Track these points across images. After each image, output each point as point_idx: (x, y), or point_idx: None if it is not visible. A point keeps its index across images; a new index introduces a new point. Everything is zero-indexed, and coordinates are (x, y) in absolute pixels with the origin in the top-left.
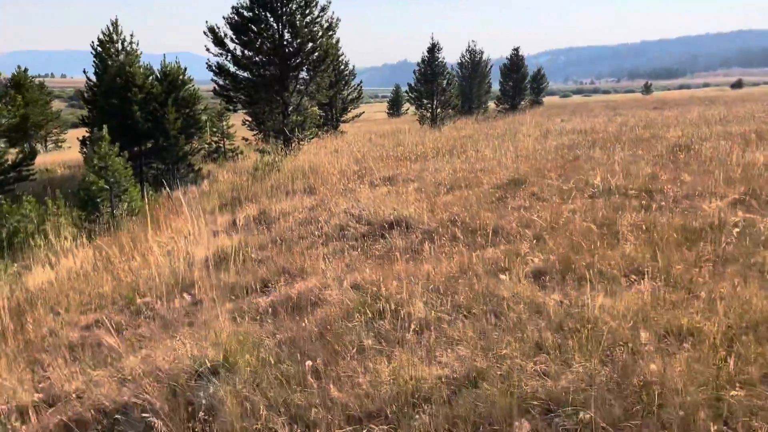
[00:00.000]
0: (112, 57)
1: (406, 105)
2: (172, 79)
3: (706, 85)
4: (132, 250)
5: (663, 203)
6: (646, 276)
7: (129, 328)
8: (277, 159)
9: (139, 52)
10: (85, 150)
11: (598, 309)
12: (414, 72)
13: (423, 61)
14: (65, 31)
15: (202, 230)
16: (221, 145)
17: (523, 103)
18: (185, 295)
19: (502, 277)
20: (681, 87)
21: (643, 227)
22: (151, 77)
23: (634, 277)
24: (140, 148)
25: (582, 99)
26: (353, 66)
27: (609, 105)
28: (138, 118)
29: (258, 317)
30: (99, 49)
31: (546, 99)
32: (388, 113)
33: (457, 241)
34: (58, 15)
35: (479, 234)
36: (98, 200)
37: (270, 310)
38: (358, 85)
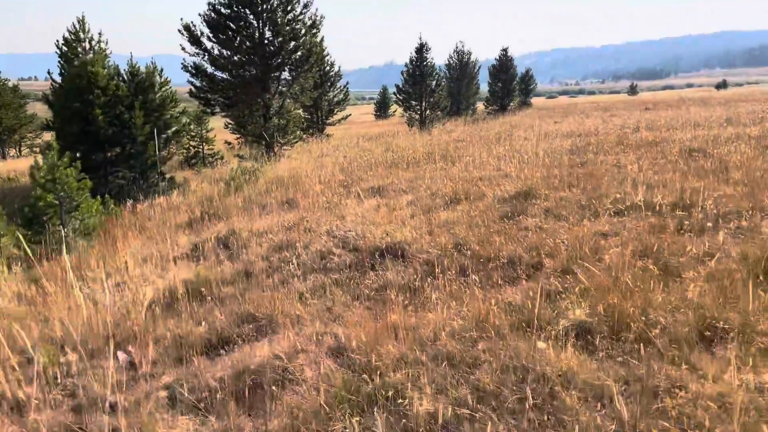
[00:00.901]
0: (78, 57)
1: (394, 107)
2: (140, 81)
3: (689, 85)
4: (73, 282)
5: (708, 223)
6: (727, 338)
7: (33, 412)
8: (255, 167)
9: (108, 51)
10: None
11: (683, 401)
12: (402, 73)
13: (411, 61)
14: (54, 34)
15: (157, 256)
16: (200, 149)
17: (512, 104)
18: (120, 353)
19: (541, 344)
20: (665, 87)
21: (698, 256)
22: (117, 78)
23: (711, 338)
24: (105, 155)
25: (569, 100)
26: (339, 67)
27: (599, 106)
28: (101, 122)
29: (201, 404)
30: (64, 48)
31: (533, 100)
32: (375, 115)
33: (466, 276)
34: (46, 17)
35: (492, 265)
36: (45, 218)
37: (219, 393)
38: (345, 86)
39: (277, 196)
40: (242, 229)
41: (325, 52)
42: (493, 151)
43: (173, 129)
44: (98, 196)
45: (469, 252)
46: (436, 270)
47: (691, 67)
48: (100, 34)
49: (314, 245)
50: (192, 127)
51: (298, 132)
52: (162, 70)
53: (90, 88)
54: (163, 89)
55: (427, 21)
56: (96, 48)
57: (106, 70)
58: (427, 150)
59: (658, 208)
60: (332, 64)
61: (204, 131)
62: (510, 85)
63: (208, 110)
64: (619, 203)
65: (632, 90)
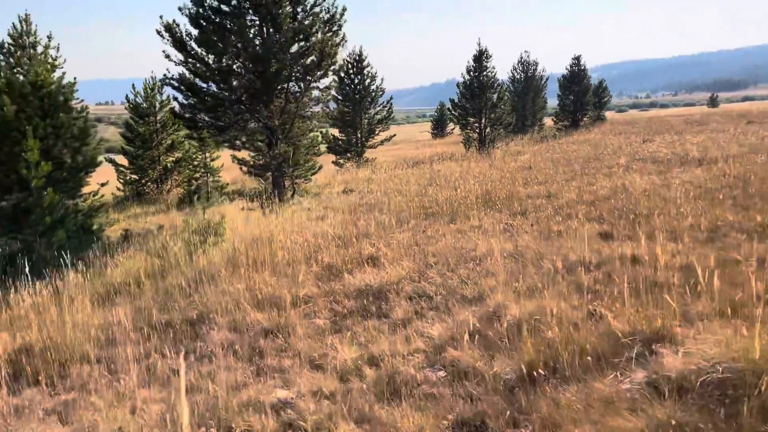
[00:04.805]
0: (22, 67)
1: (453, 124)
2: (45, 95)
3: None
4: None
5: None
6: None
7: None
8: (215, 226)
9: (58, 61)
10: None
11: None
12: (458, 85)
13: (468, 71)
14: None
15: None
16: (203, 183)
17: (585, 119)
18: None
19: None
20: (745, 99)
21: None
22: (13, 95)
23: None
24: None
25: (642, 113)
26: (382, 79)
27: (690, 119)
28: None
29: None
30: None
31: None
32: (432, 133)
33: None
34: (122, 44)
35: None
36: None
37: None
38: (389, 101)
39: (197, 302)
40: None
41: (365, 62)
42: (586, 190)
43: (174, 158)
44: None
45: None
46: None
47: None
48: (49, 38)
49: None
50: (197, 155)
51: (312, 161)
52: (162, 86)
53: None
54: (165, 110)
55: (487, 36)
56: (42, 57)
57: None
58: (484, 187)
59: None
60: (374, 77)
61: (208, 159)
62: (583, 97)
63: (195, 134)
64: None
65: (712, 102)
